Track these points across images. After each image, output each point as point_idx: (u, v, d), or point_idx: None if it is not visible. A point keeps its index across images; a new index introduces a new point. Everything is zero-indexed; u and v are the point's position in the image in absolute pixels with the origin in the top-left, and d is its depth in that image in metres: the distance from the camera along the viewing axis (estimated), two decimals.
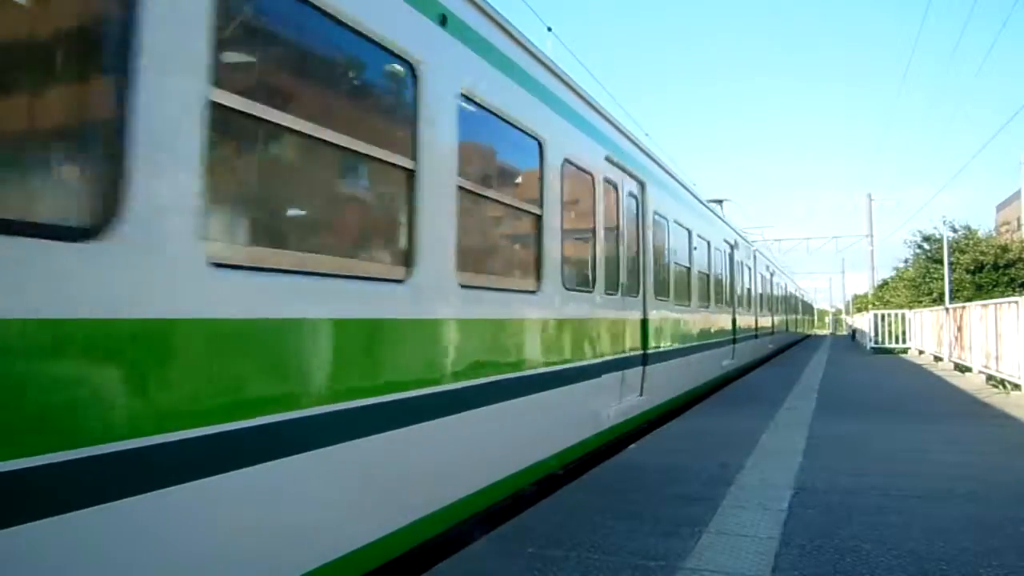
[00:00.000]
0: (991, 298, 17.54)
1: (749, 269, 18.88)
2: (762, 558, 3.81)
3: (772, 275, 24.21)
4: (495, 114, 5.12)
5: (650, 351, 8.53)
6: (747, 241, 19.67)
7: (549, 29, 10.60)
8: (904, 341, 25.24)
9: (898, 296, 34.51)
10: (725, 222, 16.25)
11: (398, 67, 4.05)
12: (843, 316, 69.60)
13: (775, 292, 25.32)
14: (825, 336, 52.20)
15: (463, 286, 4.51)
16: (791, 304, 32.95)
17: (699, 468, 6.02)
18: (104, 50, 2.51)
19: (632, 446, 7.34)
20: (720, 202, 18.48)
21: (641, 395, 8.22)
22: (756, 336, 19.42)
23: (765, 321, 21.55)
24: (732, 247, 16.07)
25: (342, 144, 3.51)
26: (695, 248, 11.57)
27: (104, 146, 2.48)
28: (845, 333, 49.65)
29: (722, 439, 7.49)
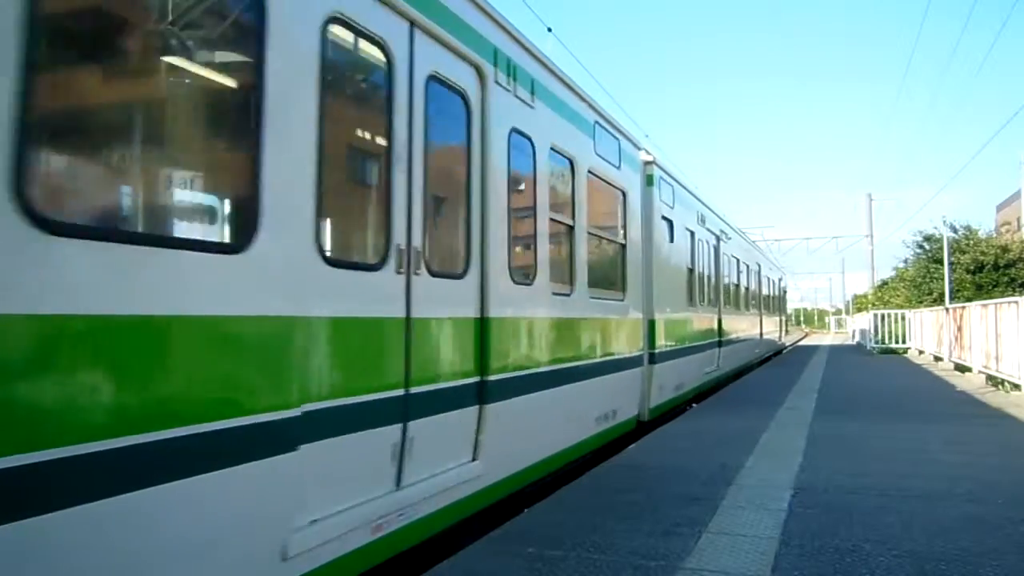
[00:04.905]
0: (991, 298, 17.55)
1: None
2: (762, 558, 3.81)
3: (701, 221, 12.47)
4: None
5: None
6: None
7: (549, 30, 10.63)
8: (904, 341, 25.25)
9: (898, 296, 34.46)
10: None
11: None
12: (843, 316, 69.27)
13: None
14: (820, 345, 41.76)
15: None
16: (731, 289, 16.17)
17: (699, 468, 6.03)
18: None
19: (632, 446, 7.35)
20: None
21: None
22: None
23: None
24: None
25: None
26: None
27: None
28: (846, 334, 46.68)
29: (722, 439, 7.49)
